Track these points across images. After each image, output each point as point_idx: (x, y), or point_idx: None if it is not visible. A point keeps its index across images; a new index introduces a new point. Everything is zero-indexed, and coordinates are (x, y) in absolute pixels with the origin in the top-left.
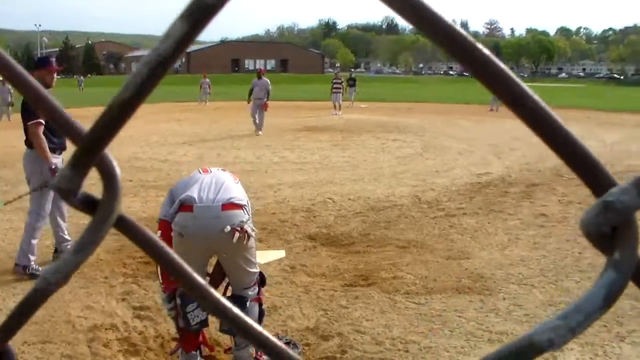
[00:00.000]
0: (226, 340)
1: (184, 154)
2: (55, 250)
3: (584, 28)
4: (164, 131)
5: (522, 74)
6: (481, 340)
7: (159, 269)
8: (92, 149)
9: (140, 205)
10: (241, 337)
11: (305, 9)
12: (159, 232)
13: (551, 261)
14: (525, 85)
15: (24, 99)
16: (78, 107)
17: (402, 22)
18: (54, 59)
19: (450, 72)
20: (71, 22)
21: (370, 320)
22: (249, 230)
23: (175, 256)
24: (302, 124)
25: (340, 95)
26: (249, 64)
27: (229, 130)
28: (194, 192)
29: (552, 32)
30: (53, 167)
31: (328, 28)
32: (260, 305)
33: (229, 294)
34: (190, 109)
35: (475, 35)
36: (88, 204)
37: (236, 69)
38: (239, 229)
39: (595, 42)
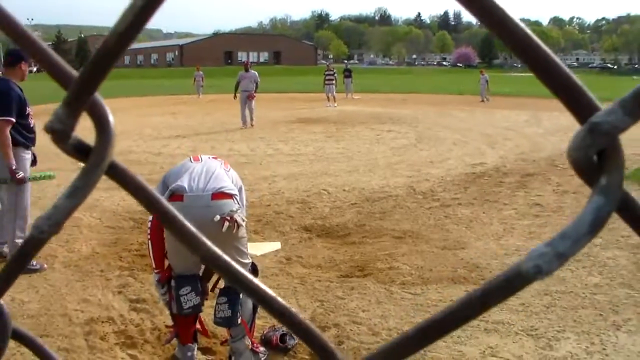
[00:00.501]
0: (222, 332)
1: (178, 146)
2: None
3: (577, 18)
4: (158, 124)
5: (515, 65)
6: (477, 330)
7: (152, 254)
8: (87, 85)
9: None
10: (231, 283)
11: (298, 1)
12: (151, 218)
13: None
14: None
15: None
16: None
17: (394, 13)
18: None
19: (444, 63)
20: (63, 16)
21: (367, 310)
22: (239, 219)
23: (168, 205)
24: (296, 115)
25: (334, 86)
26: (242, 56)
27: (223, 123)
28: (184, 182)
29: (545, 22)
30: (13, 167)
31: (321, 20)
32: None
33: (222, 285)
34: (184, 102)
35: (469, 25)
36: (81, 150)
37: (229, 61)
38: (228, 218)
39: (588, 31)
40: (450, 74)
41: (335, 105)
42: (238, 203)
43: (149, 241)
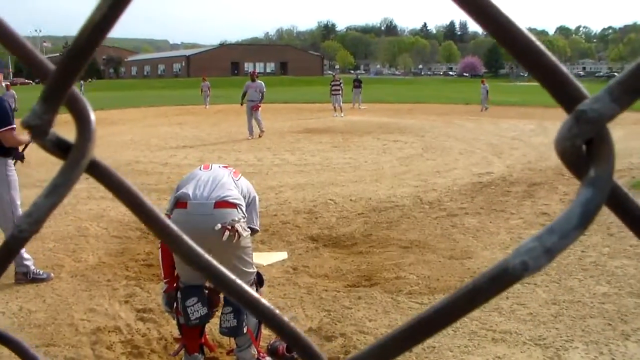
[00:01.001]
0: (228, 342)
1: (185, 157)
2: None
3: (584, 27)
4: (165, 135)
5: (521, 74)
6: (485, 339)
7: (161, 263)
8: (63, 79)
9: None
10: (225, 293)
11: (304, 12)
12: None
13: (554, 260)
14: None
15: None
16: None
17: (400, 24)
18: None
19: (450, 73)
20: (71, 27)
21: (374, 320)
22: (240, 229)
23: (153, 206)
24: (303, 126)
25: (340, 97)
26: (248, 66)
27: (230, 133)
28: (189, 189)
29: (551, 31)
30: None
31: (327, 30)
32: None
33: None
34: (191, 112)
35: (475, 35)
36: (60, 147)
37: (236, 72)
38: (229, 227)
39: (594, 41)
40: (457, 83)
41: (342, 115)
42: (242, 212)
43: (159, 249)
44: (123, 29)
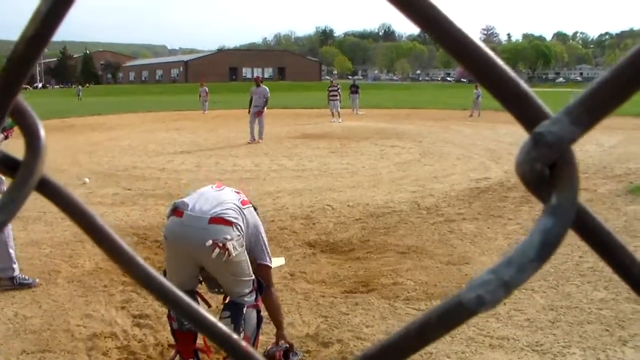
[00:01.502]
0: None
1: (182, 162)
2: None
3: (581, 33)
4: (162, 140)
5: None
6: (482, 346)
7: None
8: (5, 91)
9: (139, 213)
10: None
11: (302, 17)
12: None
13: (551, 265)
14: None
15: None
16: (77, 117)
17: (398, 29)
18: None
19: (448, 79)
20: (69, 32)
21: (371, 326)
22: (231, 248)
23: (108, 229)
24: (300, 131)
25: (338, 102)
26: (246, 72)
27: (227, 139)
28: (190, 200)
29: (548, 37)
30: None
31: (325, 36)
32: (259, 312)
33: (227, 300)
34: (189, 118)
35: None
36: (8, 164)
37: (234, 77)
38: (220, 244)
39: (591, 46)
40: (454, 89)
41: (340, 120)
42: (239, 231)
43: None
44: (121, 34)
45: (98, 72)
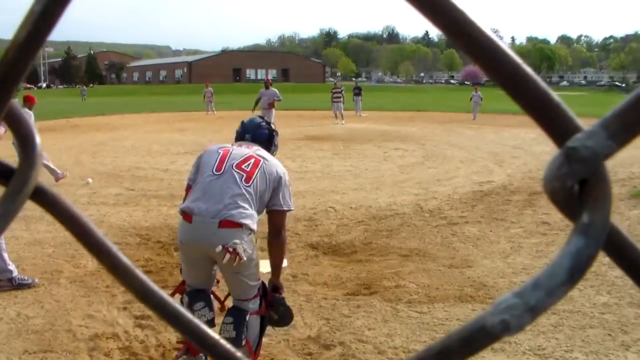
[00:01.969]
0: None
1: (186, 163)
2: None
3: (585, 36)
4: (166, 141)
5: None
6: (484, 349)
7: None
8: None
9: (142, 214)
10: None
11: (306, 19)
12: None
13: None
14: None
15: None
16: (81, 117)
17: (402, 31)
18: None
19: (452, 81)
20: (73, 33)
21: (373, 329)
22: (241, 251)
23: (105, 239)
24: (304, 133)
25: (342, 104)
26: (250, 73)
27: (231, 140)
28: (197, 200)
29: (552, 40)
30: None
31: (329, 37)
32: (263, 318)
33: (230, 304)
34: (193, 119)
35: None
36: (1, 173)
37: (237, 78)
38: (230, 249)
39: (596, 50)
40: (458, 92)
41: (343, 122)
42: (248, 230)
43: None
44: (125, 34)
45: (102, 73)
